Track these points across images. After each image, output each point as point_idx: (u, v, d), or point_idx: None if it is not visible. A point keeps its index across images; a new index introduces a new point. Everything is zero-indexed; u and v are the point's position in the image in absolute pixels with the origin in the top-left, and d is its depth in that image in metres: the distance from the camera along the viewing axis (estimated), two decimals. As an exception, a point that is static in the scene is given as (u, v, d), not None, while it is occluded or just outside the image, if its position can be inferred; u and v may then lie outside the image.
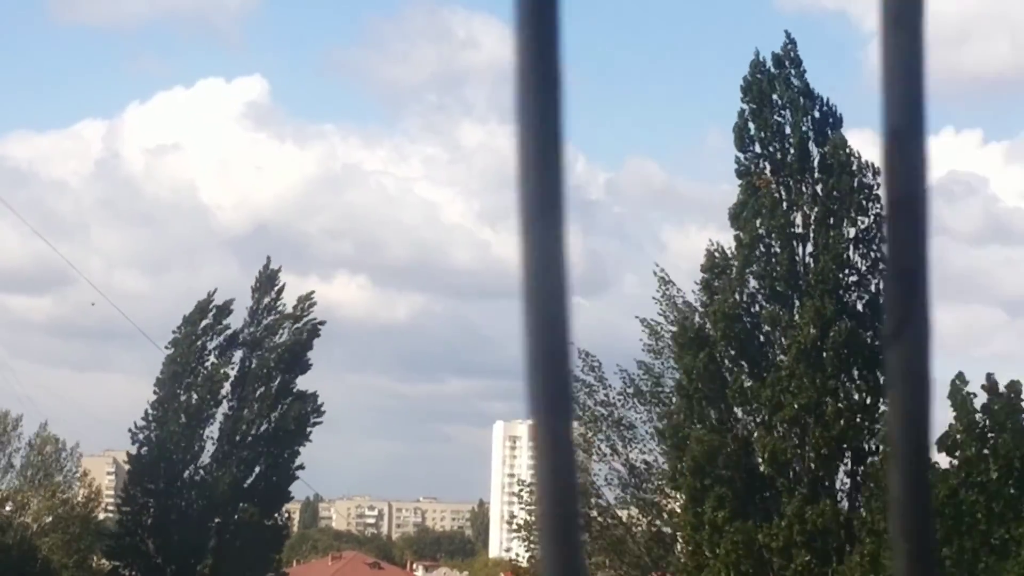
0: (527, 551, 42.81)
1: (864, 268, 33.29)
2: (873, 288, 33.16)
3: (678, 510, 36.44)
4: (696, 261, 34.60)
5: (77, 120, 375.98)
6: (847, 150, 33.55)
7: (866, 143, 34.62)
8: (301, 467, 52.17)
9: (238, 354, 51.99)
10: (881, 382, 32.32)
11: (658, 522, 41.81)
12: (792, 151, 33.67)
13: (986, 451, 27.24)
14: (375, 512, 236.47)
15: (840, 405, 31.54)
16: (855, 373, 32.21)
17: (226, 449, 50.62)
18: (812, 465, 31.79)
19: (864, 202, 33.35)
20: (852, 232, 33.29)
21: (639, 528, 42.66)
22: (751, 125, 34.14)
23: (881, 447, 30.55)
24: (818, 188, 33.52)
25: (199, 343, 51.31)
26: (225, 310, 52.40)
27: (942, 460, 28.23)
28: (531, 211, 0.94)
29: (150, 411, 50.80)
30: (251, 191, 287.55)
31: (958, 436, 27.68)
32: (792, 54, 34.44)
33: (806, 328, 31.80)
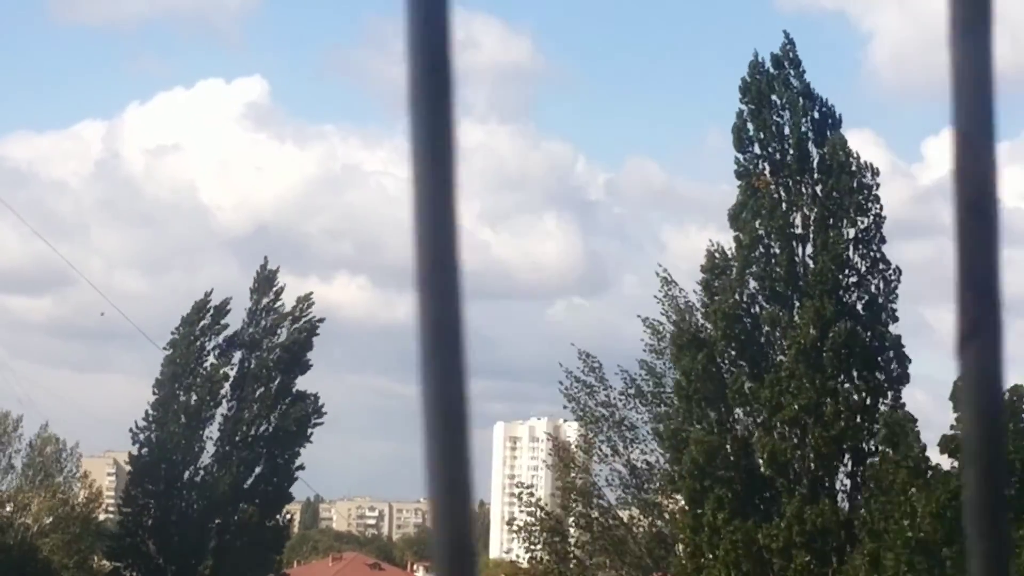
0: (527, 552, 42.81)
1: (864, 268, 33.29)
2: (873, 288, 33.17)
3: (683, 509, 36.43)
4: (696, 261, 34.66)
5: (77, 120, 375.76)
6: (846, 150, 33.55)
7: (866, 143, 34.79)
8: (301, 468, 52.21)
9: (237, 355, 52.01)
10: (880, 382, 32.35)
11: (659, 523, 41.81)
12: (791, 151, 33.66)
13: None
14: (376, 513, 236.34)
15: (840, 406, 31.56)
16: (854, 374, 32.23)
17: (226, 450, 50.62)
18: (812, 465, 31.82)
19: (864, 202, 33.36)
20: (852, 232, 33.30)
21: (640, 529, 42.67)
22: (750, 126, 34.12)
23: (880, 447, 30.54)
24: (817, 189, 33.52)
25: (197, 344, 51.31)
26: (222, 310, 52.38)
27: (944, 462, 28.26)
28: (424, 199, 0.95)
29: (150, 412, 50.81)
30: (251, 192, 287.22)
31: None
32: (791, 54, 34.42)
33: (806, 329, 31.82)
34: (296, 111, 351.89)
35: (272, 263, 53.75)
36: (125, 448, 53.43)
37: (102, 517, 66.18)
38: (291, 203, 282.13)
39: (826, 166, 33.50)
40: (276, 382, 51.48)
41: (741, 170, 33.92)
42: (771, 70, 34.34)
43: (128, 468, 53.30)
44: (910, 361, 32.84)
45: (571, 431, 53.60)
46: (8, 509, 58.46)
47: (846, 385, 32.15)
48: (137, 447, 50.82)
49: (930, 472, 28.39)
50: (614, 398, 42.18)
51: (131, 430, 50.71)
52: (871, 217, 33.47)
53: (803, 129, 33.96)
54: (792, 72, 34.35)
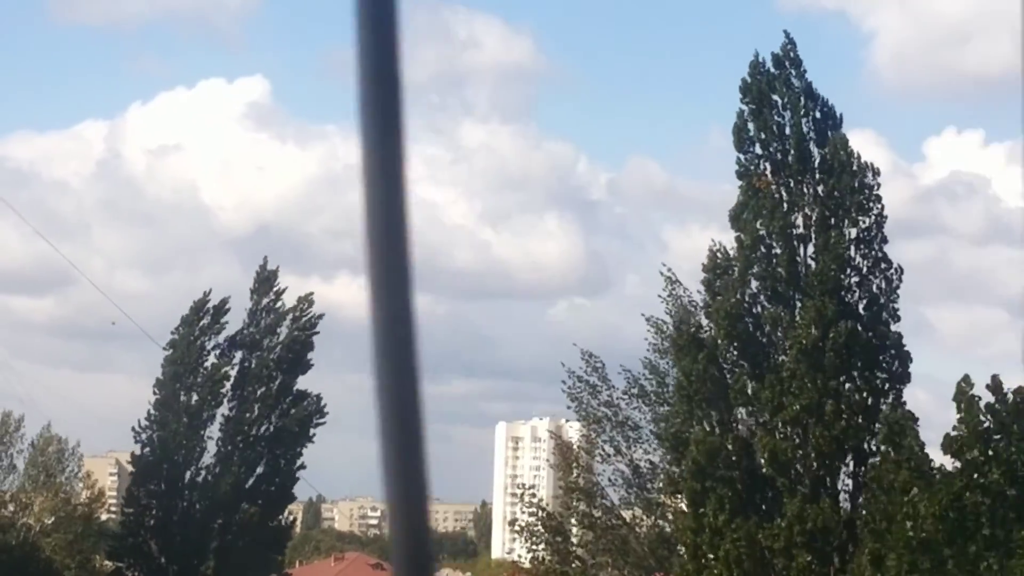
0: (529, 552, 42.77)
1: (865, 268, 33.26)
2: (874, 288, 33.14)
3: (683, 510, 36.40)
4: (698, 261, 34.61)
5: (78, 121, 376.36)
6: (848, 150, 33.50)
7: (867, 143, 34.79)
8: (303, 467, 52.22)
9: (238, 355, 52.00)
10: (882, 382, 32.33)
11: (662, 522, 41.77)
12: (792, 151, 33.62)
13: (990, 452, 27.17)
14: (378, 513, 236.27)
15: (841, 405, 31.54)
16: (856, 374, 32.19)
17: (228, 450, 50.63)
18: (813, 465, 31.79)
19: (865, 202, 33.31)
20: (853, 232, 33.26)
21: (643, 528, 42.63)
22: (751, 126, 34.06)
23: (882, 447, 30.51)
24: (819, 189, 33.48)
25: (198, 343, 51.32)
26: (222, 310, 52.39)
27: (947, 462, 28.18)
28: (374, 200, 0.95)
29: (152, 412, 50.83)
30: (253, 191, 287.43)
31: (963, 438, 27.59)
32: (792, 54, 34.36)
33: (807, 328, 31.78)
34: (297, 111, 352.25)
35: (273, 263, 53.84)
36: (128, 448, 53.47)
37: (104, 517, 66.26)
38: (293, 203, 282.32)
39: (827, 166, 33.46)
40: (277, 382, 51.50)
41: (742, 170, 33.87)
42: (772, 70, 34.28)
43: (130, 468, 53.34)
44: (911, 360, 32.85)
45: (573, 431, 53.56)
46: (10, 509, 58.52)
47: (847, 385, 32.12)
48: (139, 447, 50.87)
49: (935, 473, 28.34)
50: (617, 398, 42.19)
51: (133, 430, 50.79)
52: (872, 217, 33.42)
53: (804, 129, 33.91)
54: (793, 72, 34.29)
